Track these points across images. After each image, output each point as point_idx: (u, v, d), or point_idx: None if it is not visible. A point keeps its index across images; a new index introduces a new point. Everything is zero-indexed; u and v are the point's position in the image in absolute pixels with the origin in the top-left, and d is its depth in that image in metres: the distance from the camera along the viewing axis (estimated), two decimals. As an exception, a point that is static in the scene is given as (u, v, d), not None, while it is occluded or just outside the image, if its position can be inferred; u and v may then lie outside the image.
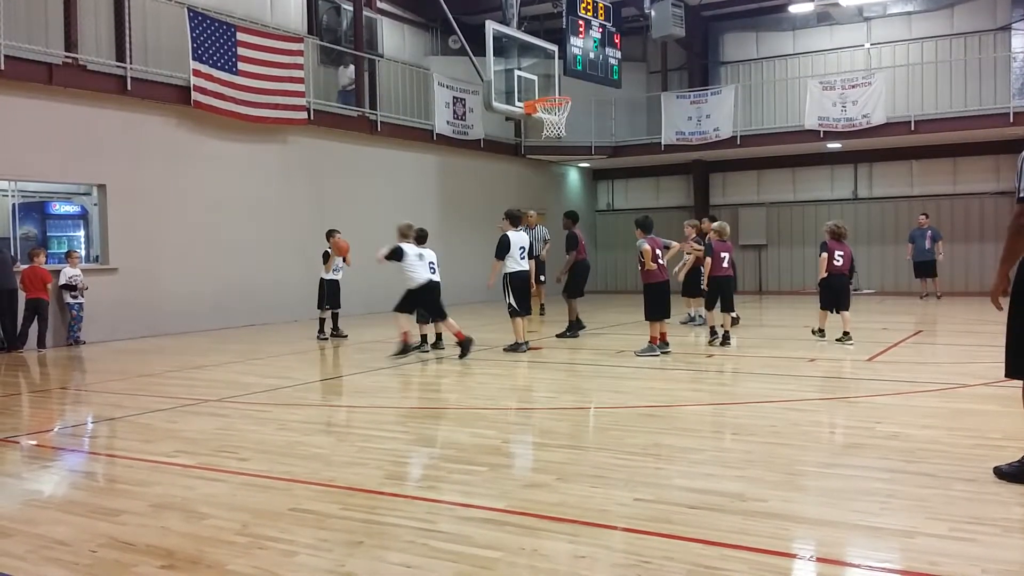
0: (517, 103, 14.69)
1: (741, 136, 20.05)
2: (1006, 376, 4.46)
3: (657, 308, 10.04)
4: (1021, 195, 4.29)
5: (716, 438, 5.64)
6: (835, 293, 10.76)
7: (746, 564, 3.36)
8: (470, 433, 5.99)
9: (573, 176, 24.31)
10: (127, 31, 13.49)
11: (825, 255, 10.71)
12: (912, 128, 18.43)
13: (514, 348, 10.50)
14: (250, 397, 7.66)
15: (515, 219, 10.88)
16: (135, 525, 4.01)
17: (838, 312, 10.73)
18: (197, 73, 13.68)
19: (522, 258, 10.62)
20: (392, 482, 4.69)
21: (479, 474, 4.82)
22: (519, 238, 10.68)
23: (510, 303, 10.59)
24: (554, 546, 3.62)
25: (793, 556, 3.55)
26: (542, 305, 16.09)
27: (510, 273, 10.55)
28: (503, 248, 10.50)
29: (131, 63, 13.23)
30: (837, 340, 10.48)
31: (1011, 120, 17.13)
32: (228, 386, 8.26)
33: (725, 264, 11.07)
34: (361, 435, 6.22)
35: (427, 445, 5.93)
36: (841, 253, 10.71)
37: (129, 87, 12.98)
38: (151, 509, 4.25)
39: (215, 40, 14.00)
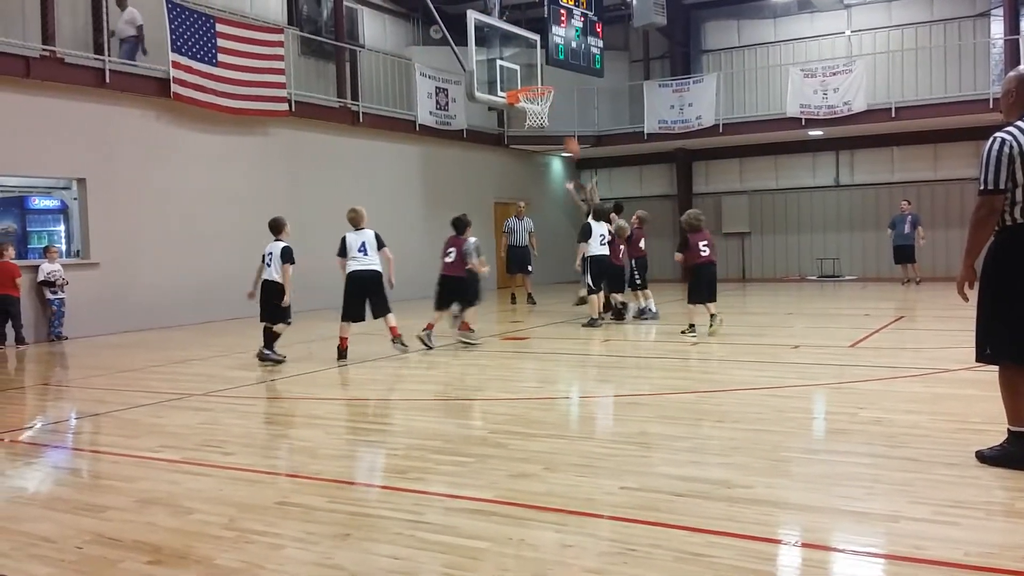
0: (500, 93, 14.64)
1: (723, 124, 20.07)
2: (976, 361, 4.51)
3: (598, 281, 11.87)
4: (983, 187, 4.33)
5: (701, 425, 5.66)
6: (707, 284, 10.42)
7: (732, 551, 3.39)
8: (457, 424, 5.99)
9: (556, 166, 24.30)
10: (105, 23, 13.35)
11: (680, 254, 10.46)
12: (893, 115, 18.50)
13: (591, 323, 11.59)
14: (235, 391, 7.63)
15: (599, 214, 12.27)
16: (120, 521, 3.99)
17: (706, 304, 10.38)
18: (176, 65, 13.56)
19: (602, 245, 11.84)
20: (379, 474, 4.68)
21: (466, 465, 4.83)
22: (599, 227, 11.91)
23: (588, 283, 11.78)
24: (541, 536, 3.63)
25: (779, 542, 3.58)
26: (529, 295, 16.09)
27: (591, 256, 11.75)
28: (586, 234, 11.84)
29: (109, 55, 13.10)
30: (710, 328, 10.29)
31: (991, 106, 17.18)
32: (212, 380, 8.22)
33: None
34: (347, 427, 6.22)
35: (414, 437, 5.93)
36: (706, 243, 10.35)
37: (108, 80, 12.84)
38: (136, 505, 4.23)
39: (194, 32, 13.87)
